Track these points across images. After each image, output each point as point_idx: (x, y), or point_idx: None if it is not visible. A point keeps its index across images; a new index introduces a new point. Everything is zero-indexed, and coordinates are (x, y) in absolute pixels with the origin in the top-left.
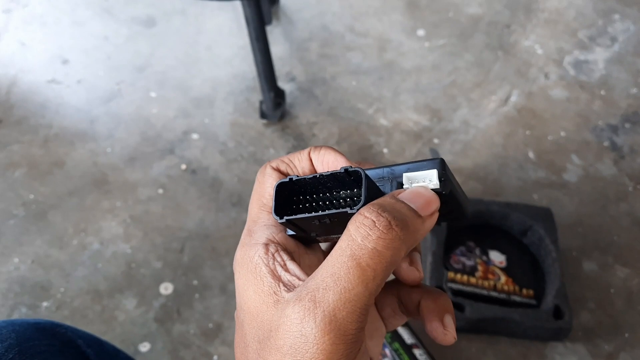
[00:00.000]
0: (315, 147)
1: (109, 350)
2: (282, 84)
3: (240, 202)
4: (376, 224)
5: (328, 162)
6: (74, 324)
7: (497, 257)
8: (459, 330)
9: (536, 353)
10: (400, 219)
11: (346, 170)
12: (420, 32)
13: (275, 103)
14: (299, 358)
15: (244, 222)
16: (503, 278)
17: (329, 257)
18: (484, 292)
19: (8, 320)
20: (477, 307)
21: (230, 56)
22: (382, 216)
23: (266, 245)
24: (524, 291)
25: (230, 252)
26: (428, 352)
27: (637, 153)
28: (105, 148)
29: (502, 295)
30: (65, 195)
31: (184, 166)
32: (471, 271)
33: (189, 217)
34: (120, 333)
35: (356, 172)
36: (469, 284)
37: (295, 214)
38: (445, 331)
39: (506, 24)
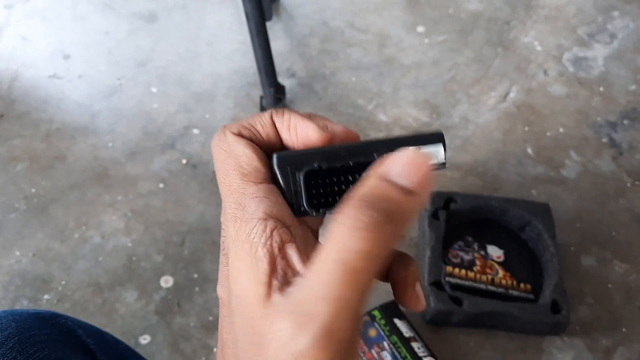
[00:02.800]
0: (277, 110)
1: (109, 340)
2: (283, 79)
3: None
4: (362, 226)
5: (296, 127)
6: (75, 316)
7: (495, 252)
8: (457, 324)
9: (534, 347)
10: (390, 213)
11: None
12: (420, 29)
13: (275, 98)
14: None
15: None
16: (501, 272)
17: (315, 261)
18: (482, 286)
19: (8, 310)
20: (475, 301)
21: (230, 52)
22: (367, 216)
23: (265, 220)
24: (522, 286)
25: None
26: (426, 345)
27: (635, 149)
28: (106, 142)
29: (500, 290)
30: (67, 189)
31: (184, 161)
32: (469, 265)
33: (189, 211)
34: (121, 325)
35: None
36: (467, 278)
37: (326, 206)
38: (419, 299)
39: (506, 21)
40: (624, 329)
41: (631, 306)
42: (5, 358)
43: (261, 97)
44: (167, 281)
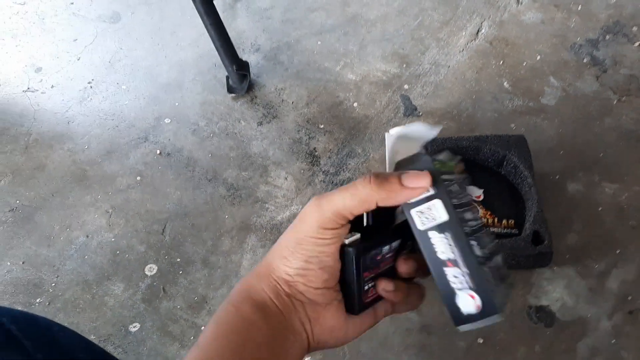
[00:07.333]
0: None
1: (40, 325)
2: (248, 55)
3: (215, 177)
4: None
5: None
6: (66, 314)
7: (473, 192)
8: None
9: (522, 282)
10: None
11: None
12: None
13: (239, 75)
14: None
15: (220, 197)
16: (480, 212)
17: None
18: None
19: None
20: None
21: (195, 38)
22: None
23: None
24: (504, 222)
25: (210, 227)
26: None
27: (620, 64)
28: (82, 146)
29: None
30: (49, 195)
31: (158, 151)
32: None
33: (167, 199)
34: (111, 317)
35: None
36: None
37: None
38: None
39: None
40: (617, 251)
41: (624, 226)
42: None
43: (227, 77)
44: (151, 269)
